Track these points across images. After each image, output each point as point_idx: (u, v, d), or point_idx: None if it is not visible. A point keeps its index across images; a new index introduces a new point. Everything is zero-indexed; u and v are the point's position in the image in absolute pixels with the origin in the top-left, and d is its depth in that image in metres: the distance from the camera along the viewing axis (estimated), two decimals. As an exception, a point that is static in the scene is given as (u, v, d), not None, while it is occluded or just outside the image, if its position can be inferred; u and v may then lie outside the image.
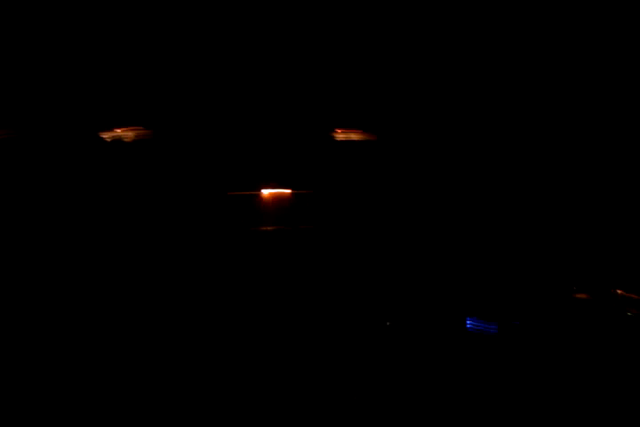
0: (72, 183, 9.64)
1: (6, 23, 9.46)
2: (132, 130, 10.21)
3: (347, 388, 8.37)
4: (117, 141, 10.00)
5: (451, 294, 9.28)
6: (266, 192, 10.13)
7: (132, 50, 9.99)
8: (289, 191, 10.26)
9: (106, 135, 10.07)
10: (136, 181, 9.89)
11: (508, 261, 9.37)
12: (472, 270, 9.39)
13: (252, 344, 8.75)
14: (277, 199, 10.12)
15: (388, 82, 10.39)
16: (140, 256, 9.38)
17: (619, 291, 8.86)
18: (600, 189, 9.46)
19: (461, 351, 8.81)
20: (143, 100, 10.10)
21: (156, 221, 9.67)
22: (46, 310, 8.69)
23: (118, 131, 10.19)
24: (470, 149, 9.98)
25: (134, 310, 8.90)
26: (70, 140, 9.66)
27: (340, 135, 10.56)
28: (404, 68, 10.23)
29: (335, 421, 8.03)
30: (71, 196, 9.55)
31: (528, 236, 9.47)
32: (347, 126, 10.64)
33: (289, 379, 8.42)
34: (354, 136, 10.59)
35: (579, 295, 8.90)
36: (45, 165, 9.62)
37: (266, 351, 8.69)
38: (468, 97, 10.06)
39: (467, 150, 10.01)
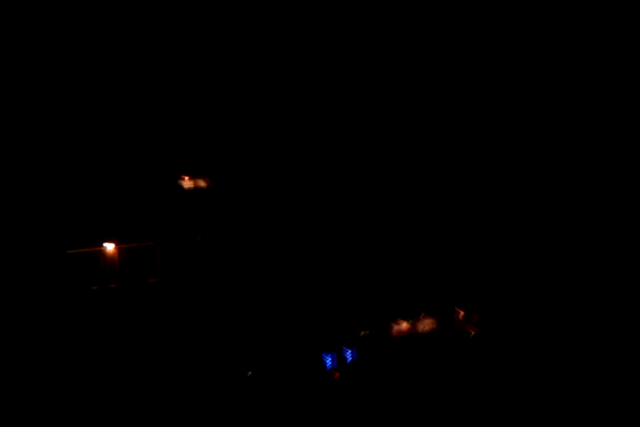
0: None
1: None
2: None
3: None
4: None
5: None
6: (110, 247, 9.75)
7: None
8: (135, 245, 9.92)
9: None
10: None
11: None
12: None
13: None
14: (122, 254, 9.76)
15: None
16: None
17: (461, 312, 9.11)
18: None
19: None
20: None
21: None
22: None
23: None
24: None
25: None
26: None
27: (187, 183, 10.26)
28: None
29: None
30: None
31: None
32: (192, 174, 10.36)
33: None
34: (201, 183, 10.31)
35: (426, 318, 9.10)
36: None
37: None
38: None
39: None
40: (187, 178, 10.31)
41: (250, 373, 9.14)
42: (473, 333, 8.97)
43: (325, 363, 9.18)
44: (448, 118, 9.73)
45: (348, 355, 9.22)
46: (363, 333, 9.24)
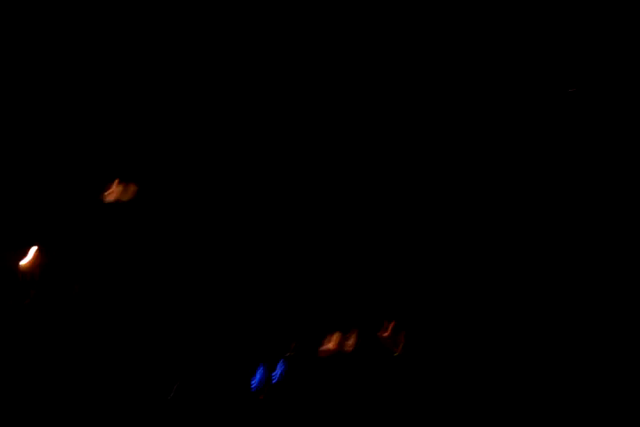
0: None
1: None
2: None
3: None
4: None
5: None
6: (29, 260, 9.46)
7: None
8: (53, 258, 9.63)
9: None
10: None
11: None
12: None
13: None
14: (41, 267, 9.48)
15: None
16: None
17: (389, 328, 9.03)
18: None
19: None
20: None
21: None
22: None
23: None
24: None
25: None
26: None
27: (111, 192, 9.96)
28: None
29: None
30: None
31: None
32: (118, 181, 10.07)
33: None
34: (126, 192, 10.03)
35: (355, 334, 9.02)
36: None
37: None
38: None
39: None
40: (111, 187, 10.00)
41: (173, 392, 8.89)
42: (398, 351, 8.88)
43: (252, 381, 8.97)
44: (444, 118, 9.60)
45: (276, 373, 9.02)
46: (290, 350, 9.06)
